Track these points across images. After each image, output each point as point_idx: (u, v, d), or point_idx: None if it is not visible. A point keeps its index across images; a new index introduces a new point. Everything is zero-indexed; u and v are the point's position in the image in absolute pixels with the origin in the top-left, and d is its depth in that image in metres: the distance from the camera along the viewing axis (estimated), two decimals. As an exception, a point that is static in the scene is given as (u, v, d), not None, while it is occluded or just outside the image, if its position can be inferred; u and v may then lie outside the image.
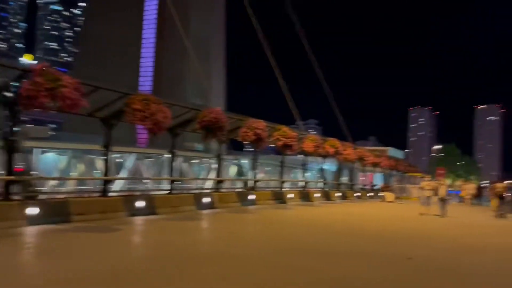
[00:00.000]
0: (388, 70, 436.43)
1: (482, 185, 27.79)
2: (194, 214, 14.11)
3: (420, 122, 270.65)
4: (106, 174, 13.37)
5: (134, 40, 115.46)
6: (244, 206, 17.81)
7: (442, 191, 16.46)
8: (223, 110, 17.92)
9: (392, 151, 54.85)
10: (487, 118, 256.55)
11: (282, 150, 19.95)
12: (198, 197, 16.52)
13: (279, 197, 21.35)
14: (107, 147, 12.98)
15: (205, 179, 37.89)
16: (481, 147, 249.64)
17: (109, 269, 6.11)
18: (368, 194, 32.16)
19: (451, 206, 24.32)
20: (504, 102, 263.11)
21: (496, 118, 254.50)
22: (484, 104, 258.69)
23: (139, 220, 12.10)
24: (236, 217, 14.65)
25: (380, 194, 27.75)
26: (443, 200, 16.53)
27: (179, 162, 37.30)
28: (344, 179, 45.07)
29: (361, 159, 27.90)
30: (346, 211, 19.58)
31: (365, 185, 34.61)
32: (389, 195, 27.22)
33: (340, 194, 27.72)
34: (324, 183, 28.54)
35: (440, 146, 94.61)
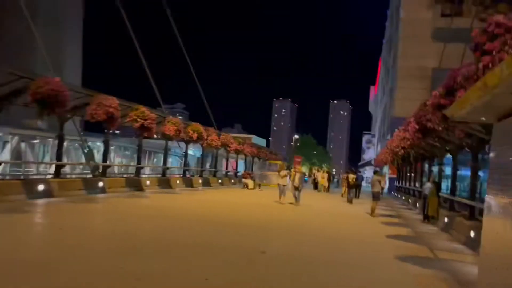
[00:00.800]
0: (255, 61, 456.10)
1: (331, 173, 29.76)
2: (20, 205, 11.51)
3: (282, 113, 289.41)
4: None
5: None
6: (91, 195, 15.58)
7: (297, 179, 16.75)
8: (68, 83, 15.27)
9: (255, 139, 56.90)
10: (341, 112, 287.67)
11: (140, 132, 18.06)
12: (29, 183, 13.77)
13: (135, 184, 19.45)
14: None
15: (40, 163, 33.21)
16: (333, 138, 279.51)
17: None
18: (231, 181, 32.23)
19: (307, 194, 25.91)
20: (352, 99, 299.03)
21: (345, 113, 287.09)
22: (336, 100, 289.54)
23: None
24: (75, 208, 12.46)
25: (243, 181, 27.85)
26: (297, 188, 16.82)
27: (14, 142, 31.94)
28: (208, 165, 44.91)
29: (225, 145, 27.52)
30: (206, 198, 18.82)
31: (228, 172, 34.64)
32: (250, 182, 27.46)
33: (203, 181, 27.02)
34: (187, 170, 27.49)
35: (297, 136, 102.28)
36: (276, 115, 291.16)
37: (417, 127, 9.45)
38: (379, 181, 15.76)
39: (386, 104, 56.22)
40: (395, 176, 36.49)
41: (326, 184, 29.22)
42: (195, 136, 22.15)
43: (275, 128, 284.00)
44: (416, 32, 41.43)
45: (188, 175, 26.37)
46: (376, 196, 15.79)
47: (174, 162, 44.86)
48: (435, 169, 22.33)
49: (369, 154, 71.13)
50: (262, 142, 65.18)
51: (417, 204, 20.74)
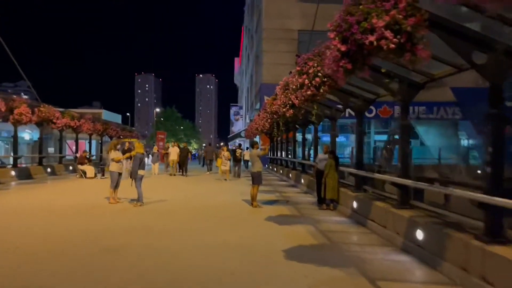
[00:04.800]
0: (114, 35, 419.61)
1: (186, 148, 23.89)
2: None
3: (146, 88, 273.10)
4: None
5: None
6: None
7: (133, 163, 10.83)
8: None
9: (108, 115, 48.32)
10: (206, 86, 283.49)
11: None
12: None
13: None
14: None
15: None
16: (201, 112, 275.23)
17: None
18: (70, 168, 24.73)
19: (154, 179, 20.19)
20: (217, 73, 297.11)
21: (212, 86, 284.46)
22: (202, 74, 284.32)
23: None
24: None
25: (78, 168, 20.75)
26: (134, 178, 10.88)
27: None
28: (51, 150, 35.65)
29: (46, 121, 19.91)
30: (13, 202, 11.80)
31: (64, 157, 26.82)
32: (89, 169, 20.58)
33: (18, 172, 19.25)
34: (17, 157, 19.98)
35: (159, 110, 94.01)
36: (139, 91, 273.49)
37: (343, 48, 4.59)
38: (259, 157, 11.05)
39: (252, 72, 53.41)
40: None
41: (176, 160, 23.11)
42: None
43: (139, 104, 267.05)
44: (279, -8, 38.25)
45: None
46: (256, 179, 11.13)
47: (2, 150, 34.59)
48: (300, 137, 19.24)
49: (238, 126, 68.35)
50: (117, 118, 56.37)
51: (300, 179, 16.96)
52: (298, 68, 8.26)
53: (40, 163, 22.45)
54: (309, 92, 7.80)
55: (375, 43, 4.23)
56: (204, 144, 73.96)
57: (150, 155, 29.51)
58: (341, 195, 10.48)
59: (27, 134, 35.86)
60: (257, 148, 11.23)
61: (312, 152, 17.77)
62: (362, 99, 9.58)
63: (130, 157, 12.51)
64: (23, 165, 22.61)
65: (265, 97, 27.75)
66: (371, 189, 9.72)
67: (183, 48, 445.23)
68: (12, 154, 20.78)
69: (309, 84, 7.65)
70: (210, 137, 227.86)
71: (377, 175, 8.83)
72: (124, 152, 13.81)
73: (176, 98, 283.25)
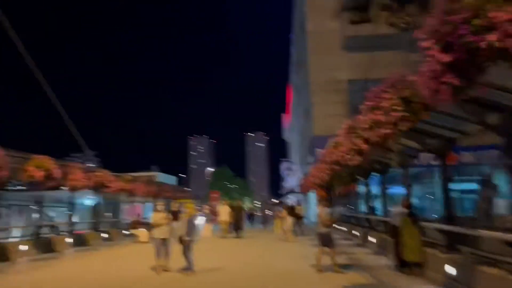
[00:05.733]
0: (167, 101, 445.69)
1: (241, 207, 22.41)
2: None
3: (199, 150, 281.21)
4: None
5: None
6: None
7: (182, 225, 9.54)
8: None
9: (162, 177, 48.91)
10: (256, 144, 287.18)
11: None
12: None
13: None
14: None
15: None
16: (253, 171, 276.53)
17: None
18: (125, 232, 24.30)
19: (206, 243, 18.07)
20: (266, 129, 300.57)
21: (262, 144, 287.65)
22: (251, 132, 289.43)
23: None
24: None
25: (132, 232, 20.15)
26: (184, 244, 9.53)
27: None
28: (109, 215, 36.03)
29: (101, 185, 19.78)
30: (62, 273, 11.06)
31: (122, 222, 26.63)
32: (143, 233, 19.88)
33: (75, 239, 18.95)
34: (73, 224, 19.98)
35: (213, 169, 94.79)
36: (193, 153, 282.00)
37: (446, 58, 3.34)
38: (329, 218, 9.51)
39: (302, 126, 52.80)
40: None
41: (227, 220, 21.34)
42: (39, 174, 14.32)
43: (194, 166, 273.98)
44: (325, 44, 38.17)
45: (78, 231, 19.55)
46: (327, 240, 9.57)
47: (60, 216, 35.32)
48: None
49: (290, 181, 66.80)
50: (172, 180, 57.00)
51: (368, 237, 15.01)
52: (370, 103, 6.98)
53: (95, 228, 22.19)
54: (386, 131, 6.48)
55: (496, 44, 2.98)
56: (258, 202, 72.62)
57: (202, 216, 28.68)
58: (427, 257, 8.63)
59: (88, 200, 36.60)
60: (324, 205, 9.78)
61: (379, 205, 15.93)
62: (444, 139, 8.05)
63: (177, 219, 11.44)
64: (81, 231, 22.54)
65: (318, 150, 26.66)
66: (468, 249, 7.84)
67: (232, 107, 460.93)
68: (68, 220, 20.73)
69: (386, 121, 6.36)
70: (262, 194, 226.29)
71: (484, 232, 6.97)
72: (172, 214, 12.85)
73: (227, 157, 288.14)
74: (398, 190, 19.10)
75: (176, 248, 10.31)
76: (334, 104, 35.78)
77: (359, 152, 8.56)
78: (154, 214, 10.36)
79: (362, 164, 10.89)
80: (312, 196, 36.21)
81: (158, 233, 10.07)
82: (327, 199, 9.86)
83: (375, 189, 17.89)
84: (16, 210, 31.20)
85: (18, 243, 15.75)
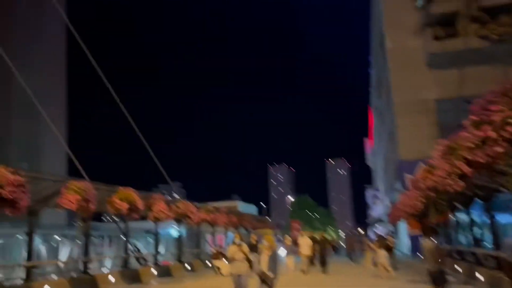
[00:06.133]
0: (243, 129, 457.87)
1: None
2: None
3: (279, 179, 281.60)
4: None
5: None
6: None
7: (264, 260, 8.60)
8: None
9: (243, 206, 49.05)
10: (338, 170, 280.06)
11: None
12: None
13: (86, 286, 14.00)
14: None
15: None
16: (334, 199, 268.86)
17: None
18: (207, 263, 24.30)
19: (289, 278, 16.80)
20: (346, 154, 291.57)
21: (343, 172, 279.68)
22: (332, 158, 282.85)
23: None
24: None
25: (213, 263, 19.95)
26: (266, 281, 8.59)
27: None
28: (191, 245, 36.83)
29: (183, 216, 20.02)
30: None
31: (204, 252, 26.79)
32: (224, 265, 19.53)
33: (159, 270, 19.22)
34: (158, 254, 20.59)
35: (292, 199, 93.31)
36: (274, 182, 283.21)
37: None
38: (437, 251, 8.13)
39: (386, 151, 50.04)
40: (417, 232, 28.59)
41: (309, 254, 19.60)
42: (124, 206, 14.78)
43: (275, 196, 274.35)
44: (407, 63, 36.15)
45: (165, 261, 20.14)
46: (439, 279, 8.20)
47: (145, 247, 36.86)
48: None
49: (376, 209, 63.07)
50: (252, 209, 57.04)
51: (478, 275, 12.94)
52: (475, 118, 5.84)
53: (179, 259, 22.44)
54: (497, 149, 5.31)
55: None
56: (343, 232, 69.67)
57: (283, 247, 27.73)
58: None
59: (172, 230, 37.83)
60: (431, 236, 8.46)
61: (485, 237, 13.84)
62: None
63: (256, 251, 10.72)
64: (165, 262, 22.98)
65: (406, 175, 24.78)
66: None
67: (311, 133, 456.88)
68: (154, 251, 21.22)
69: (497, 138, 5.21)
70: (347, 224, 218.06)
71: None
72: (250, 247, 12.15)
73: (308, 185, 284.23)
74: (507, 219, 16.64)
75: (255, 284, 9.61)
76: (422, 126, 33.41)
77: (461, 176, 7.26)
78: (230, 247, 9.78)
79: (464, 190, 9.40)
80: (402, 226, 33.53)
81: (234, 268, 9.44)
82: (434, 230, 8.49)
83: (478, 218, 15.71)
84: (106, 241, 33.16)
85: (107, 274, 16.31)
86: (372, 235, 42.84)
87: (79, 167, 17.99)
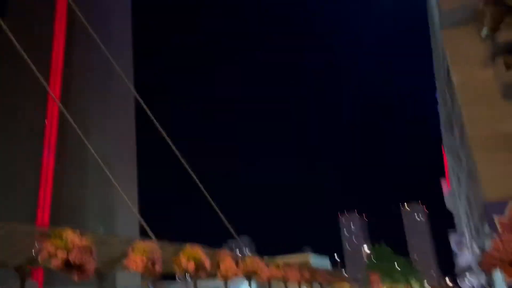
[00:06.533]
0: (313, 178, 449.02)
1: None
2: None
3: (351, 228, 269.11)
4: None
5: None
6: None
7: None
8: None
9: (315, 259, 46.61)
10: (415, 217, 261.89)
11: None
12: None
13: None
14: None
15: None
16: (414, 247, 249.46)
17: None
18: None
19: None
20: (423, 199, 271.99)
21: (421, 218, 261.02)
22: (407, 203, 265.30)
23: None
24: None
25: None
26: None
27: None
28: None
29: (252, 273, 19.21)
30: None
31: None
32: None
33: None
34: None
35: (367, 249, 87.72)
36: (345, 232, 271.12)
37: None
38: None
39: (467, 192, 46.04)
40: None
41: None
42: (191, 266, 14.43)
43: (347, 246, 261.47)
44: (479, 96, 33.75)
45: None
46: None
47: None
48: None
49: (464, 257, 57.20)
50: (325, 261, 54.15)
51: None
52: None
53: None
54: None
55: None
56: (428, 285, 63.57)
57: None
58: None
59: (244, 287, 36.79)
60: None
61: None
62: None
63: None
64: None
65: (495, 216, 22.34)
66: None
67: (380, 177, 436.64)
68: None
69: None
70: (431, 274, 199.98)
71: None
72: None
73: (383, 233, 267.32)
74: None
75: None
76: (505, 162, 30.42)
77: None
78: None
79: None
80: (498, 275, 29.79)
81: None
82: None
83: None
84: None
85: None
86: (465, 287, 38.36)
87: (146, 228, 18.25)
